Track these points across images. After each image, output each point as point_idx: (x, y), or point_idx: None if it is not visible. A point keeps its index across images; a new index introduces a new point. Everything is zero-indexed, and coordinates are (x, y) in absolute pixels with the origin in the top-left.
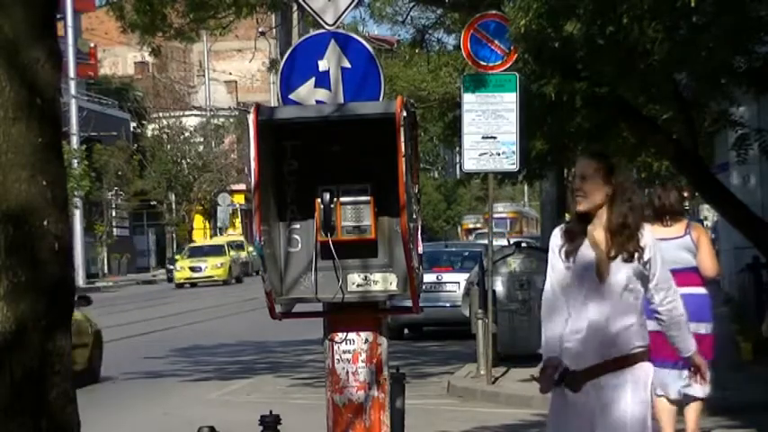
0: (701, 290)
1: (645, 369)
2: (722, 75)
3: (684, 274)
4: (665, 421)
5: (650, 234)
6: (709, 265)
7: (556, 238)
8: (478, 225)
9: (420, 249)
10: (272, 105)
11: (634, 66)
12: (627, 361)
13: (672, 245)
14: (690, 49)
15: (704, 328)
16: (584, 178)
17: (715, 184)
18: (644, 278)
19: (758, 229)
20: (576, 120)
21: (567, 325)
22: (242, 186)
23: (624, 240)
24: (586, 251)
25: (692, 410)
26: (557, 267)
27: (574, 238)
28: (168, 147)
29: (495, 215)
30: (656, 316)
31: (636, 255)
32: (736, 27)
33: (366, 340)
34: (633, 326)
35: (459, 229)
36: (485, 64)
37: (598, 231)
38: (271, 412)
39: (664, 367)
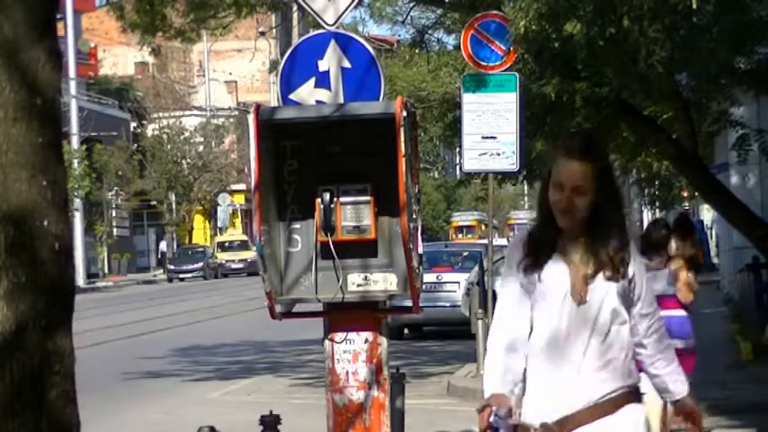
0: (681, 312)
1: (636, 411)
2: (723, 75)
3: (665, 300)
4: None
5: (634, 247)
6: (686, 295)
7: (515, 251)
8: (468, 223)
9: (420, 249)
10: (273, 105)
11: (634, 66)
12: (615, 404)
13: (657, 275)
14: (690, 50)
15: (685, 344)
16: (574, 189)
17: (715, 184)
18: (628, 300)
19: (758, 230)
20: (576, 120)
21: (527, 366)
22: (242, 186)
23: (610, 254)
24: (557, 267)
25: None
26: (515, 291)
27: (540, 251)
28: (168, 147)
29: (517, 222)
30: (637, 351)
31: (620, 271)
32: (737, 27)
33: (366, 340)
34: (624, 359)
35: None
36: (485, 64)
37: (573, 242)
38: (271, 412)
39: None
